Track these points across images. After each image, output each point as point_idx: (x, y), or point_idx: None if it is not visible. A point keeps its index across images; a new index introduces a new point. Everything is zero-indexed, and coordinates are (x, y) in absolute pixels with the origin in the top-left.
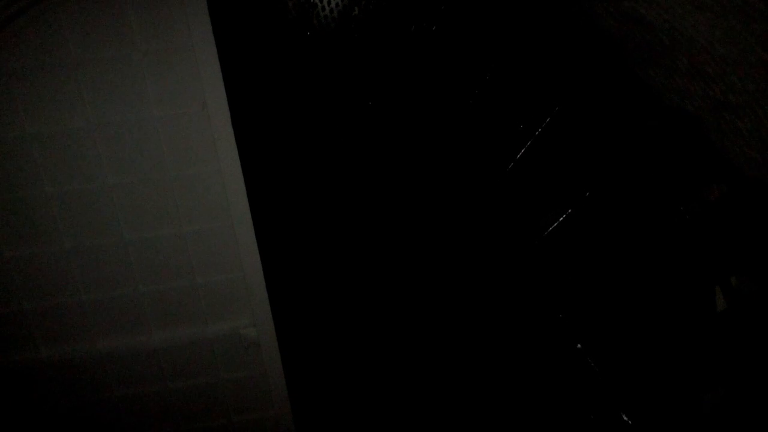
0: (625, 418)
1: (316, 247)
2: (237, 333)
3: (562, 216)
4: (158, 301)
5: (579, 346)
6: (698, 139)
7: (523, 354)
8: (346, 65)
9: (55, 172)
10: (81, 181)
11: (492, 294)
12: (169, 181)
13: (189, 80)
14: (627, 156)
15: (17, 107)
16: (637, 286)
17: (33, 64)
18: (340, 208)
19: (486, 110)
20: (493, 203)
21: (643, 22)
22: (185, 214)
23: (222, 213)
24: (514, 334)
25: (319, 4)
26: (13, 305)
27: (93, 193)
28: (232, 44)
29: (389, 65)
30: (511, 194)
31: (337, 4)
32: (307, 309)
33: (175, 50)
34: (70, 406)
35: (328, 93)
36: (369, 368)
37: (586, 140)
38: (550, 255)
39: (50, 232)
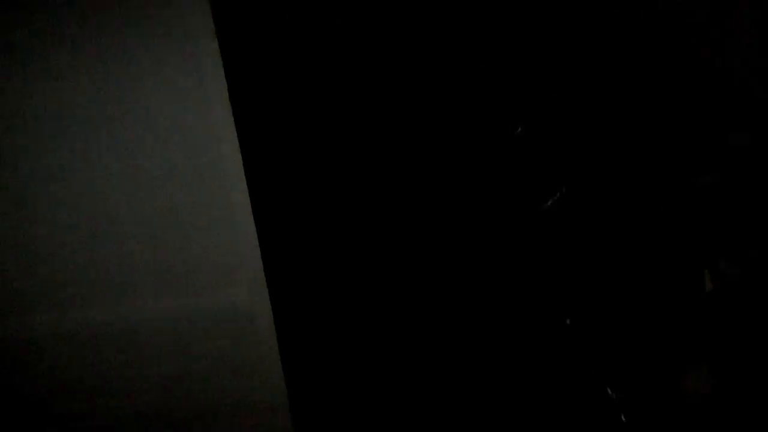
0: (611, 393)
1: (313, 219)
2: (233, 304)
3: (555, 194)
4: (152, 272)
5: (568, 321)
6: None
7: (512, 329)
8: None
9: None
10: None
11: (481, 268)
12: (163, 152)
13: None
14: (620, 137)
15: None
16: (629, 264)
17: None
18: (337, 182)
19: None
20: (488, 178)
21: None
22: (181, 184)
23: (218, 182)
24: (504, 310)
25: None
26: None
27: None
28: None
29: (386, 44)
30: (505, 171)
31: None
32: (302, 282)
33: (174, 36)
34: (67, 379)
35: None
36: (364, 342)
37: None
38: (540, 233)
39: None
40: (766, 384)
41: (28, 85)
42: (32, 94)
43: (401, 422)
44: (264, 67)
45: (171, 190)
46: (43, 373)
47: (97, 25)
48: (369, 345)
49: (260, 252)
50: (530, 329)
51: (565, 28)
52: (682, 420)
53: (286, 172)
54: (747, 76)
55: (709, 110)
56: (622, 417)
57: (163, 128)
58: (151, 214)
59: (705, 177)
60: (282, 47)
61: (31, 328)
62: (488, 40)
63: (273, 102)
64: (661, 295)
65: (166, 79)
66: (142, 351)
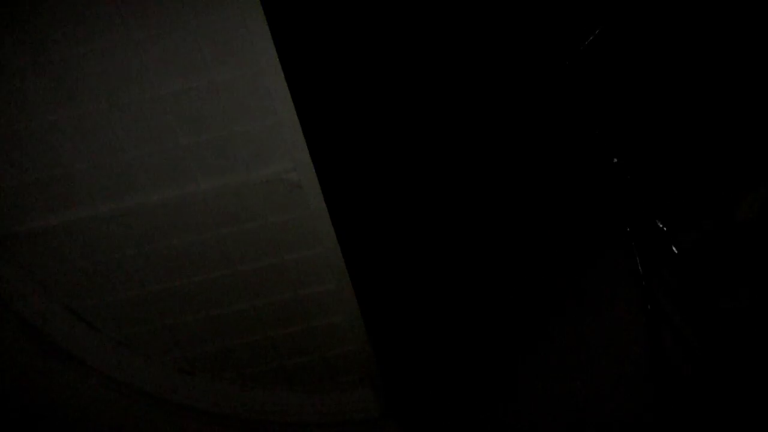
0: (660, 225)
1: (352, 90)
2: (279, 177)
3: (596, 31)
4: (200, 153)
5: (615, 160)
6: None
7: (562, 168)
8: None
9: None
10: None
11: (529, 107)
12: None
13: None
14: None
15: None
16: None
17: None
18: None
19: None
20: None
21: None
22: (216, 64)
23: (251, 61)
24: (552, 149)
25: None
26: (65, 167)
27: None
28: None
29: None
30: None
31: None
32: (345, 147)
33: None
34: (134, 255)
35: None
36: (412, 200)
37: None
38: (585, 71)
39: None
40: None
41: None
42: None
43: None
44: None
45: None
46: (110, 249)
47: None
48: (416, 204)
49: (299, 123)
50: (579, 170)
51: None
52: (733, 247)
53: (321, 47)
54: None
55: None
56: (674, 249)
57: None
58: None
59: None
60: None
61: (96, 212)
62: None
63: None
64: (710, 121)
65: None
66: (196, 219)
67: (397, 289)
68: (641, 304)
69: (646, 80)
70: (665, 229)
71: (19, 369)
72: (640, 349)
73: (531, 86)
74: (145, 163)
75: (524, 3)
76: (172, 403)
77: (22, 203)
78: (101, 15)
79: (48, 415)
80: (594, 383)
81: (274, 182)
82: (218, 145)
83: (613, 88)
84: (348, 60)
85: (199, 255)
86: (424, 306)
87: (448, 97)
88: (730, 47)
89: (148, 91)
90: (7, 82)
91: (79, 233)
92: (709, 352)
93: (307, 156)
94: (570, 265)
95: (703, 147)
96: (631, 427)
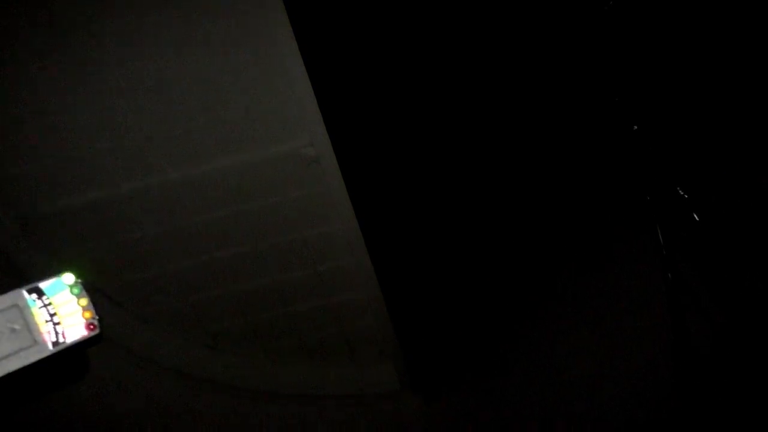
0: (681, 193)
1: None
2: (297, 153)
3: None
4: (218, 131)
5: (635, 127)
6: None
7: (582, 136)
8: None
9: None
10: None
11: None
12: None
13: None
14: None
15: None
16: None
17: None
18: None
19: None
20: None
21: None
22: (233, 43)
23: (268, 39)
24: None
25: None
26: (85, 148)
27: None
28: None
29: None
30: None
31: None
32: (363, 122)
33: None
34: (157, 233)
35: None
36: (423, 174)
37: None
38: (604, 38)
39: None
40: None
41: None
42: None
43: None
44: None
45: None
46: (132, 228)
47: None
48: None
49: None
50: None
51: None
52: (756, 218)
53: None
54: None
55: None
56: (695, 217)
57: None
58: None
59: None
60: None
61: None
62: None
63: None
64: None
65: None
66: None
67: (416, 262)
68: (662, 273)
69: (666, 47)
70: (686, 196)
71: None
72: (660, 319)
73: (552, 53)
74: (164, 142)
75: None
76: (195, 378)
77: (45, 185)
78: None
79: (72, 389)
80: (613, 359)
81: (292, 158)
82: (236, 123)
83: (633, 55)
84: (365, 34)
85: (220, 232)
86: (443, 280)
87: (468, 70)
88: (749, 19)
89: (165, 71)
90: (27, 64)
91: (101, 213)
92: (730, 322)
93: (324, 131)
94: (589, 236)
95: (726, 113)
96: (652, 402)
